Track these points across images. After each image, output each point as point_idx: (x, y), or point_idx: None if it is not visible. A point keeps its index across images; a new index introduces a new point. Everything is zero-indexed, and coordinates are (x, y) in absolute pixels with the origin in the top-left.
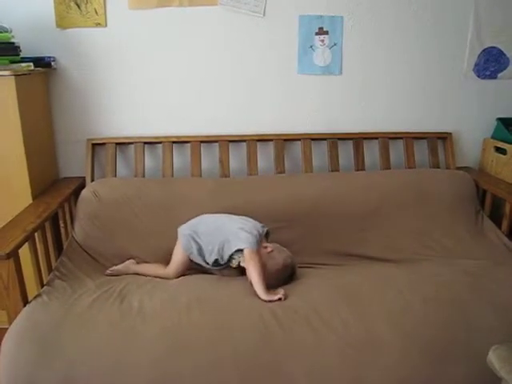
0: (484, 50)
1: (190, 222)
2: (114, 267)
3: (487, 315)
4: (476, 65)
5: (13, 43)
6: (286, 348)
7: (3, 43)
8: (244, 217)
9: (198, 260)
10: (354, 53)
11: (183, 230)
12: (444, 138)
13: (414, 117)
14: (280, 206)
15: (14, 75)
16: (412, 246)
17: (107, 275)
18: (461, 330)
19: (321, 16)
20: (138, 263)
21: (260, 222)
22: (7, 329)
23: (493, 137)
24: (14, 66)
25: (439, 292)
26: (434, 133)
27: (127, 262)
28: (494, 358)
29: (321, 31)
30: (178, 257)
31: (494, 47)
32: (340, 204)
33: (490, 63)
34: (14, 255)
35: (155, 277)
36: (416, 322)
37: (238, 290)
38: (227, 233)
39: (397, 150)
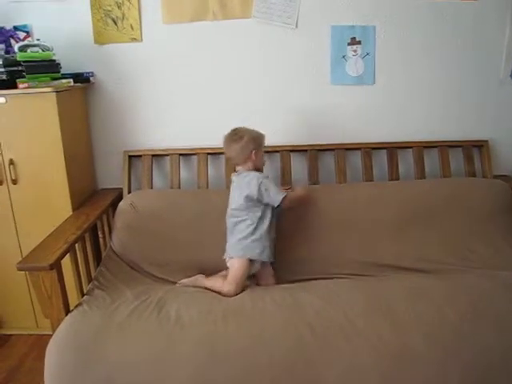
0: None
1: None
2: (183, 280)
3: None
4: None
5: (54, 61)
6: (321, 358)
7: (45, 61)
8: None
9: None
10: (387, 62)
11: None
12: (480, 145)
13: (449, 125)
14: (314, 215)
15: (55, 92)
16: (448, 256)
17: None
18: (497, 342)
19: (353, 26)
20: (206, 276)
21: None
22: (51, 335)
23: None
24: (55, 82)
25: (476, 304)
26: (469, 141)
27: (197, 276)
28: None
29: (353, 41)
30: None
31: None
32: (374, 214)
33: None
34: (56, 266)
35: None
36: (451, 334)
37: (273, 301)
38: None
39: (432, 159)
